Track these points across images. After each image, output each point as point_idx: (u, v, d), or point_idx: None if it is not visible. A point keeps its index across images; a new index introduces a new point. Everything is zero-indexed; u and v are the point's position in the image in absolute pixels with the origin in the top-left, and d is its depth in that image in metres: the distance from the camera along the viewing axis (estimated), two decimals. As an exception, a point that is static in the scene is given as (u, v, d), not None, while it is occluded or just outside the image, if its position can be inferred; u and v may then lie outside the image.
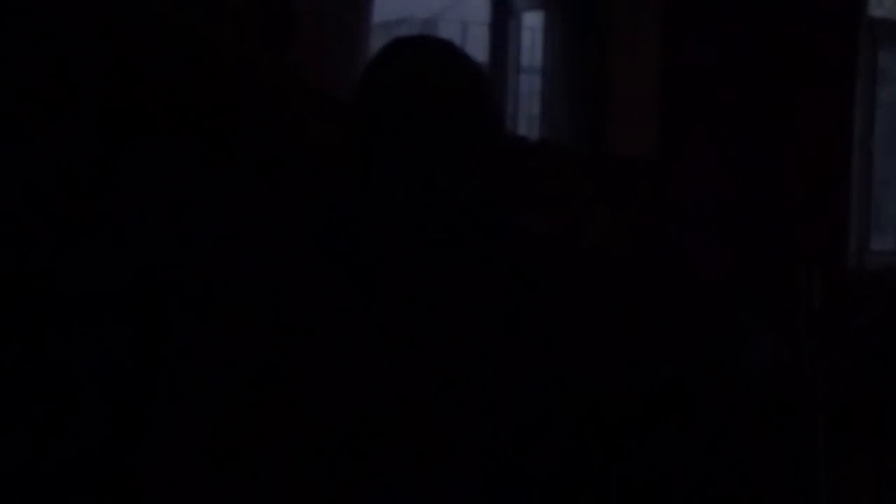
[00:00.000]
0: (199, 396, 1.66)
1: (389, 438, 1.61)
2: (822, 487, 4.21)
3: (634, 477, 1.64)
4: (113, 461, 1.69)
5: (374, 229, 1.71)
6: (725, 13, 5.97)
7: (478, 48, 7.56)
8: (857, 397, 5.30)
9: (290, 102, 1.99)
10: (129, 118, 1.79)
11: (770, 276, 5.57)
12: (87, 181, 1.76)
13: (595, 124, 6.53)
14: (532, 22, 7.71)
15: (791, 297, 4.51)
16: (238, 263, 1.71)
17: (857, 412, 5.19)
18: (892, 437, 5.22)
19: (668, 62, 6.06)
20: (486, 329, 1.65)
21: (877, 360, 5.55)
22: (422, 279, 1.67)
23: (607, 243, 3.87)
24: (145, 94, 1.81)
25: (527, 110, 8.03)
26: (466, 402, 1.62)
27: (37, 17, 1.82)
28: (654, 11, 6.16)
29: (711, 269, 5.69)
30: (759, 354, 1.72)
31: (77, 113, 1.78)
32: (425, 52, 1.77)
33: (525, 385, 1.63)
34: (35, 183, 1.77)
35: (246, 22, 2.28)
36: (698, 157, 5.99)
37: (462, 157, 1.72)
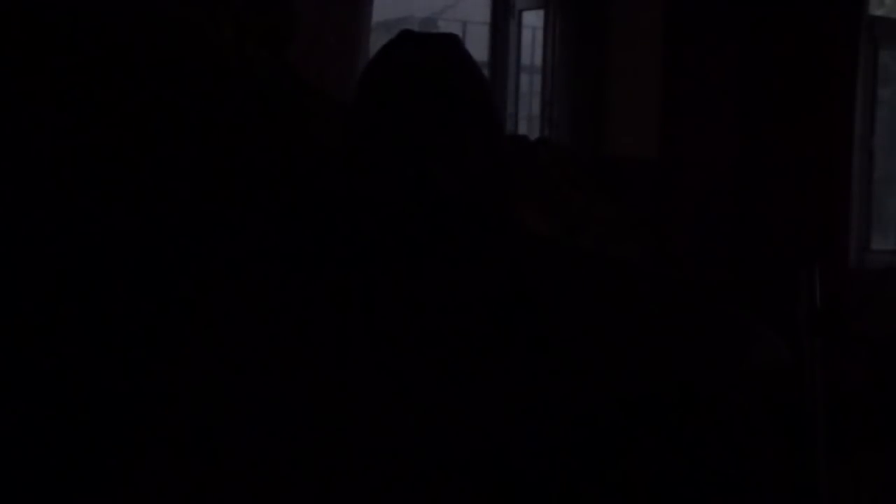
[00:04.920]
0: (195, 393, 1.66)
1: (386, 437, 1.61)
2: (823, 487, 4.21)
3: (634, 478, 1.64)
4: (105, 457, 1.69)
5: (373, 224, 1.71)
6: (725, 13, 5.97)
7: (478, 48, 7.56)
8: (857, 397, 5.30)
9: (290, 102, 1.99)
10: (126, 118, 1.79)
11: (770, 276, 5.57)
12: (78, 177, 1.76)
13: (595, 124, 6.53)
14: (532, 21, 7.71)
15: (791, 297, 4.51)
16: (236, 262, 1.71)
17: (857, 412, 5.19)
18: (892, 437, 5.23)
19: (668, 62, 6.06)
20: (484, 327, 1.65)
21: (877, 359, 5.55)
22: (420, 274, 1.67)
23: (607, 243, 3.86)
24: (144, 94, 1.81)
25: (527, 110, 8.03)
26: (464, 401, 1.62)
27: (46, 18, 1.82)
28: (654, 11, 6.16)
29: (711, 268, 5.69)
30: (759, 354, 1.71)
31: (73, 109, 1.78)
32: (427, 45, 1.77)
33: (524, 385, 1.63)
34: (32, 181, 1.78)
35: (246, 22, 2.28)
36: (698, 157, 5.99)
37: (461, 150, 1.72)
